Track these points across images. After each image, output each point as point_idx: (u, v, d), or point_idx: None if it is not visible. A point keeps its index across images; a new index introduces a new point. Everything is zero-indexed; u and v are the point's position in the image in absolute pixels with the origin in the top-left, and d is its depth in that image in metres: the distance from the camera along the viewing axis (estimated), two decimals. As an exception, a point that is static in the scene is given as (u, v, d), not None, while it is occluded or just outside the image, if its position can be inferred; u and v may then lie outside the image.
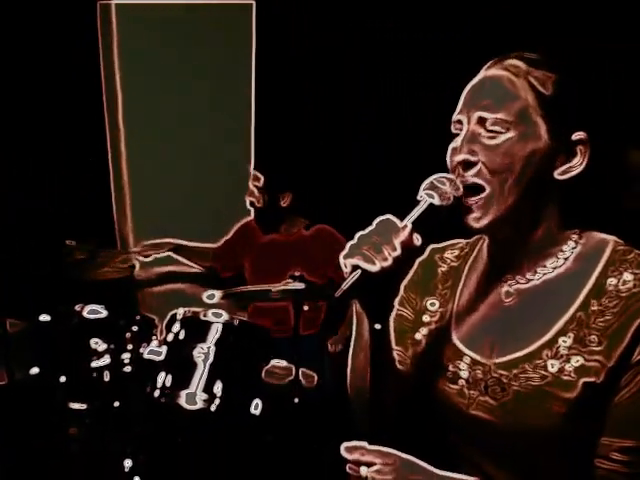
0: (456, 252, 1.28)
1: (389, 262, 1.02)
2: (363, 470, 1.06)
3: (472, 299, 1.21)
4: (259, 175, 3.23)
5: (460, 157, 1.09)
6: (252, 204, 3.26)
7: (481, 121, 1.09)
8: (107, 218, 3.61)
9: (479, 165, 1.09)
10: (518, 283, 1.15)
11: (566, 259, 1.12)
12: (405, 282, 1.29)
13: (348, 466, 1.08)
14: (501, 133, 1.07)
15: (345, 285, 1.03)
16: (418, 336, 1.25)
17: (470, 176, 1.09)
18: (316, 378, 2.71)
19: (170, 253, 3.41)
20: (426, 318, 1.25)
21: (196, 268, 3.51)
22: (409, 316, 1.28)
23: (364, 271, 1.03)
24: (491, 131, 1.08)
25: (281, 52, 3.62)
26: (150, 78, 3.50)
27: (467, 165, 1.09)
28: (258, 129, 3.77)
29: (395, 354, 1.26)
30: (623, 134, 1.12)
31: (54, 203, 3.35)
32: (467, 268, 1.25)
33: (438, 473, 1.09)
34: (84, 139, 3.49)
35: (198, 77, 3.58)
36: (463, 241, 1.29)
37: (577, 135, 1.08)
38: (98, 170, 3.59)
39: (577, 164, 1.09)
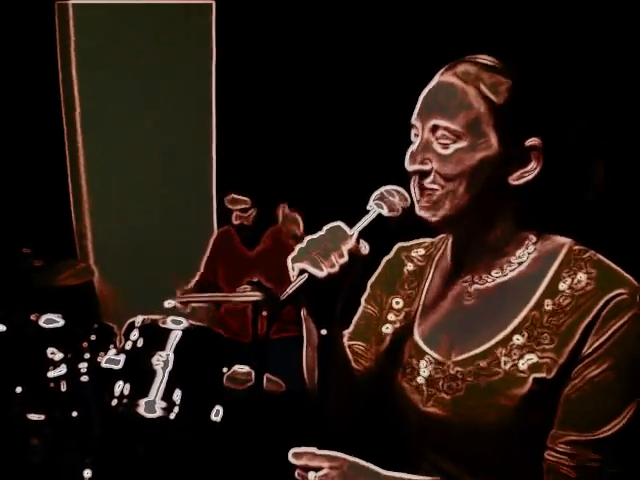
0: (422, 251, 1.30)
1: (336, 268, 1.04)
2: (311, 475, 1.06)
3: (435, 298, 1.23)
4: (242, 198, 3.20)
5: (414, 167, 1.12)
6: (241, 225, 3.23)
7: (434, 129, 1.11)
8: (66, 225, 3.56)
9: (433, 174, 1.11)
10: (477, 283, 1.17)
11: (523, 261, 1.15)
12: (372, 280, 1.32)
13: (296, 472, 1.08)
14: (452, 142, 1.09)
15: (291, 288, 1.05)
16: (383, 333, 1.26)
17: (426, 183, 1.12)
18: (284, 384, 2.70)
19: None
20: (391, 317, 1.27)
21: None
22: (374, 313, 1.29)
23: (311, 276, 1.04)
24: (443, 140, 1.10)
25: (241, 52, 3.61)
26: (108, 79, 3.47)
27: (422, 174, 1.12)
28: (219, 133, 3.76)
29: (357, 349, 1.28)
30: (578, 138, 1.13)
31: (10, 210, 3.29)
32: (432, 268, 1.27)
33: (385, 474, 1.10)
34: (41, 144, 3.44)
35: (158, 78, 3.56)
36: (429, 240, 1.31)
37: (530, 141, 1.10)
38: (56, 176, 3.55)
39: (531, 169, 1.10)
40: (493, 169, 1.09)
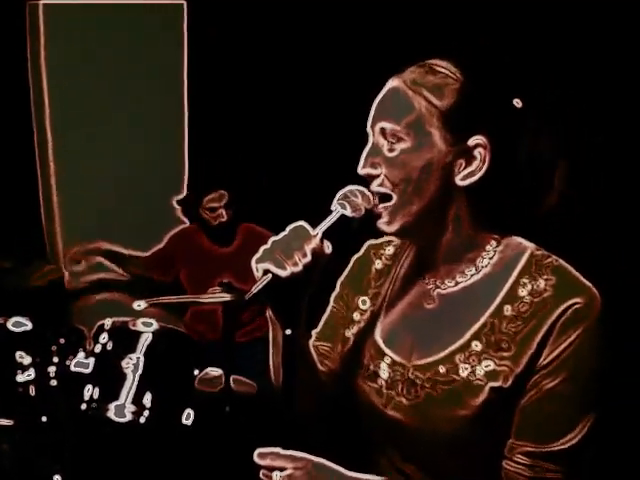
0: (391, 249, 1.30)
1: (299, 268, 1.05)
2: (275, 476, 1.06)
3: (398, 300, 1.23)
4: (223, 192, 3.21)
5: (363, 171, 1.14)
6: (221, 224, 3.23)
7: (382, 132, 1.13)
8: (35, 227, 3.52)
9: (382, 177, 1.13)
10: (438, 288, 1.18)
11: (484, 266, 1.15)
12: (341, 278, 1.33)
13: (261, 472, 1.08)
14: (397, 144, 1.11)
15: (255, 289, 1.06)
16: (348, 333, 1.27)
17: (375, 186, 1.13)
18: (255, 386, 2.69)
19: (102, 259, 3.35)
20: (356, 316, 1.27)
21: (125, 276, 3.45)
22: (342, 313, 1.30)
23: (274, 275, 1.04)
24: (390, 142, 1.11)
25: (213, 53, 3.60)
26: (79, 80, 3.44)
27: (371, 177, 1.14)
28: (191, 132, 3.74)
29: (323, 350, 1.28)
30: (528, 135, 1.14)
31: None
32: (399, 267, 1.27)
33: (349, 475, 1.10)
34: (10, 144, 3.39)
35: (128, 79, 3.53)
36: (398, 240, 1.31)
37: (474, 140, 1.10)
38: (25, 176, 3.50)
39: (477, 169, 1.10)
40: (439, 170, 1.10)
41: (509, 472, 1.08)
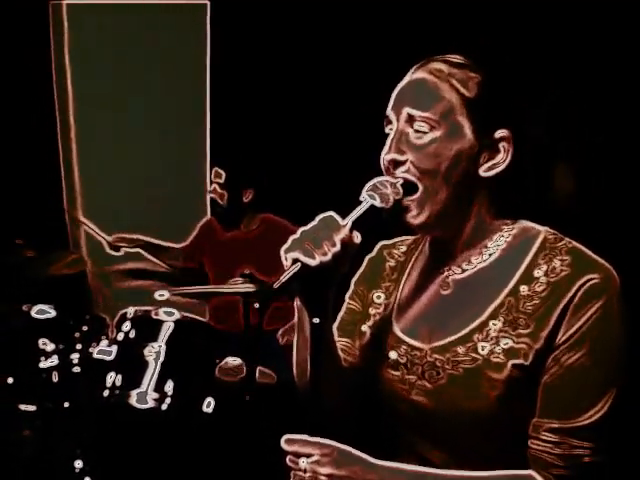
0: (404, 248, 1.32)
1: (328, 257, 1.06)
2: (302, 462, 1.08)
3: (413, 291, 1.25)
4: (220, 171, 3.23)
5: (389, 156, 1.15)
6: (214, 201, 3.25)
7: (409, 119, 1.14)
8: (58, 216, 3.56)
9: (407, 164, 1.14)
10: (454, 273, 1.20)
11: (498, 248, 1.17)
12: (355, 277, 1.35)
13: (288, 458, 1.10)
14: (427, 132, 1.12)
15: (284, 277, 1.07)
16: (364, 328, 1.29)
17: (400, 172, 1.14)
18: (275, 376, 2.71)
19: (140, 250, 3.38)
20: (372, 310, 1.29)
21: (164, 267, 3.47)
22: (357, 309, 1.32)
23: (304, 265, 1.05)
24: (418, 130, 1.12)
25: (236, 52, 3.61)
26: (102, 79, 3.46)
27: (396, 164, 1.15)
28: (214, 125, 3.76)
29: (342, 346, 1.30)
30: (548, 129, 1.16)
31: (3, 201, 3.29)
32: (412, 262, 1.29)
33: (375, 462, 1.11)
34: (35, 138, 3.44)
35: (151, 76, 3.56)
36: (411, 238, 1.33)
37: (500, 133, 1.13)
38: (50, 169, 3.54)
39: (501, 161, 1.13)
40: (466, 160, 1.12)
41: (536, 451, 1.09)
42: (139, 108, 3.54)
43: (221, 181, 3.22)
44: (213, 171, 3.28)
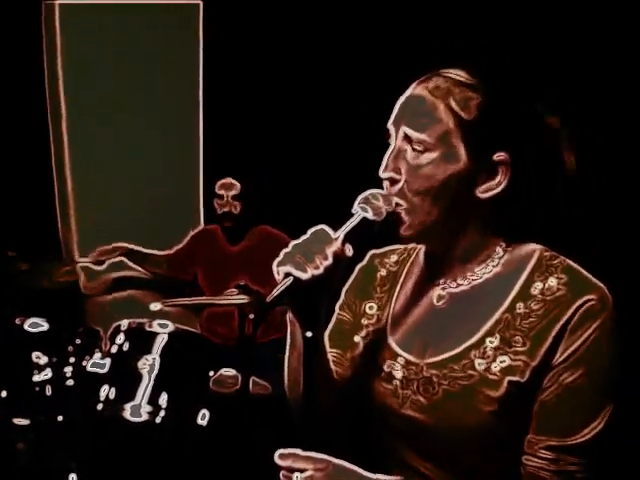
0: (395, 257, 1.31)
1: (320, 271, 1.06)
2: (295, 477, 1.07)
3: (407, 302, 1.24)
4: (234, 182, 3.23)
5: (385, 175, 1.15)
6: (229, 214, 3.24)
7: (406, 138, 1.14)
8: (51, 228, 3.54)
9: (402, 183, 1.13)
10: (449, 287, 1.19)
11: (495, 265, 1.17)
12: (346, 287, 1.34)
13: (282, 473, 1.09)
14: (424, 153, 1.11)
15: (276, 291, 1.06)
16: (357, 339, 1.28)
17: (394, 192, 1.14)
18: (270, 387, 2.70)
19: (123, 258, 3.37)
20: (364, 321, 1.28)
21: (147, 275, 3.46)
22: (348, 320, 1.31)
23: (296, 279, 1.05)
24: (415, 150, 1.12)
25: (229, 52, 3.61)
26: (95, 80, 3.45)
27: (392, 181, 1.15)
28: (207, 127, 3.75)
29: (332, 357, 1.29)
30: (547, 152, 1.16)
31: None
32: (405, 273, 1.28)
33: (370, 477, 1.10)
34: (26, 143, 3.42)
35: (144, 78, 3.55)
36: (402, 247, 1.32)
37: (498, 156, 1.12)
38: (41, 178, 3.53)
39: (498, 183, 1.12)
40: (461, 183, 1.12)
41: (531, 467, 1.09)
42: (132, 108, 3.53)
43: (237, 192, 3.22)
44: (224, 182, 3.26)
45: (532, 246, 1.17)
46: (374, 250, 1.34)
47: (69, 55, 3.44)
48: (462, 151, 1.11)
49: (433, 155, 1.11)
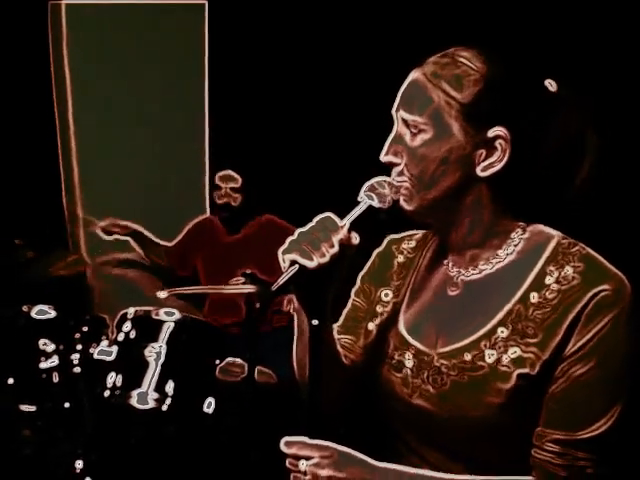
0: (413, 243, 1.31)
1: (326, 258, 1.06)
2: (302, 464, 1.07)
3: (420, 290, 1.24)
4: (235, 175, 3.24)
5: (385, 159, 1.16)
6: (226, 205, 3.25)
7: (404, 122, 1.14)
8: (57, 217, 3.56)
9: (402, 166, 1.14)
10: (462, 275, 1.19)
11: (509, 253, 1.15)
12: (362, 273, 1.34)
13: (287, 461, 1.09)
14: (419, 135, 1.12)
15: (282, 279, 1.07)
16: (370, 326, 1.28)
17: (395, 175, 1.16)
18: (275, 375, 2.71)
19: (129, 238, 3.39)
20: (379, 308, 1.28)
21: (146, 261, 3.49)
22: (363, 306, 1.31)
23: (301, 266, 1.05)
24: (412, 133, 1.13)
25: (234, 52, 3.61)
26: (101, 79, 3.47)
27: (392, 165, 1.16)
28: (212, 128, 3.76)
29: (345, 343, 1.29)
30: (547, 127, 1.14)
31: (2, 202, 3.28)
32: (421, 260, 1.28)
33: (375, 464, 1.10)
34: (34, 138, 3.43)
35: (150, 76, 3.56)
36: (420, 232, 1.32)
37: (494, 131, 1.11)
38: (48, 169, 3.54)
39: (497, 160, 1.11)
40: (457, 160, 1.11)
41: (538, 460, 1.08)
42: (137, 107, 3.54)
43: (236, 185, 3.22)
44: (222, 174, 3.27)
45: (549, 232, 1.15)
46: (392, 235, 1.34)
47: (75, 54, 3.46)
48: (455, 129, 1.10)
49: (428, 135, 1.11)
